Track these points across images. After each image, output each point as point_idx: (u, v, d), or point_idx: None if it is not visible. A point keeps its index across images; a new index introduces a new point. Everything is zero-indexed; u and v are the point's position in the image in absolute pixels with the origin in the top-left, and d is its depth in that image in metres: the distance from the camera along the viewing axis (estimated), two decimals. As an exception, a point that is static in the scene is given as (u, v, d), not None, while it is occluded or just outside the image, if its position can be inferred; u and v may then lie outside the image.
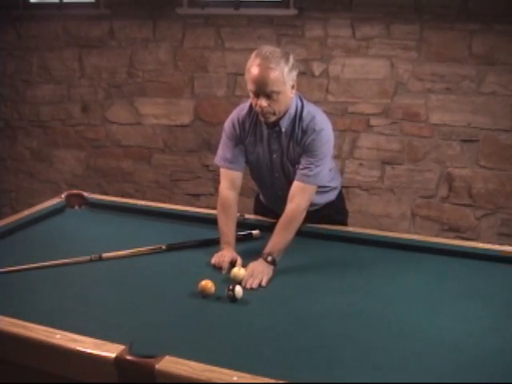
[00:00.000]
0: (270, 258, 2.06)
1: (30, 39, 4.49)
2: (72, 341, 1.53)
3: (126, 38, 4.25)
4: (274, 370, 1.44)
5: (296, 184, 2.23)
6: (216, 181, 4.24)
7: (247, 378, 1.38)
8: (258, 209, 2.68)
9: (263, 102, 2.11)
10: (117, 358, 1.45)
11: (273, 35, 3.89)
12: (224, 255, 2.09)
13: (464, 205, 3.74)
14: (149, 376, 1.41)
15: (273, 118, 2.18)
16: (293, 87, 2.16)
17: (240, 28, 3.96)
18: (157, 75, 4.24)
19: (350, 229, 2.47)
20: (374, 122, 3.80)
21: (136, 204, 2.76)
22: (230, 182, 2.33)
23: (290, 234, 2.16)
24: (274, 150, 2.31)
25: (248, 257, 2.10)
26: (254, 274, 1.99)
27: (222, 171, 2.36)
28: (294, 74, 2.14)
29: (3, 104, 4.70)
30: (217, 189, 4.25)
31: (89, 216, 2.67)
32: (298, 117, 2.23)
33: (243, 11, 3.93)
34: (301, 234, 2.35)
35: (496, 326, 1.73)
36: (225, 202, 2.30)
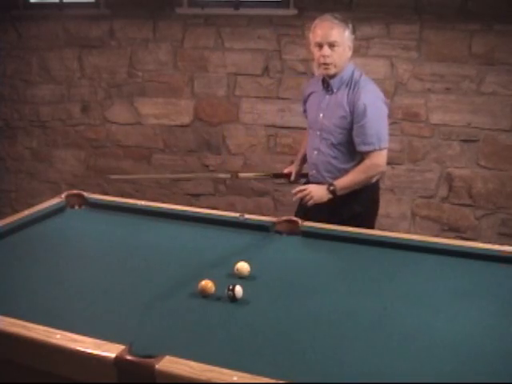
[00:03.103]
0: (331, 188, 2.41)
1: (30, 39, 4.49)
2: (72, 341, 1.53)
3: (126, 38, 4.25)
4: (274, 369, 1.44)
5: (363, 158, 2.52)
6: (215, 181, 4.24)
7: (247, 377, 1.38)
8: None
9: (327, 51, 2.44)
10: (117, 357, 1.45)
11: (273, 35, 3.89)
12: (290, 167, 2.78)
13: (464, 205, 3.74)
14: (149, 376, 1.41)
15: (333, 70, 2.50)
16: (350, 48, 2.50)
17: (240, 28, 3.96)
18: (157, 75, 4.24)
19: (350, 229, 2.47)
20: (374, 122, 3.80)
21: (136, 204, 2.76)
22: None
23: (357, 178, 2.48)
24: (321, 109, 2.61)
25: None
26: (306, 188, 2.40)
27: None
28: (352, 37, 2.52)
29: (3, 104, 4.70)
30: (216, 189, 4.29)
31: (89, 216, 2.66)
32: (354, 82, 2.51)
33: (243, 11, 3.93)
34: (301, 234, 2.36)
35: (496, 326, 1.73)
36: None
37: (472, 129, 3.63)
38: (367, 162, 2.49)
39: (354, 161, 2.57)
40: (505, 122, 3.56)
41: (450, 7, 3.52)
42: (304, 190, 2.39)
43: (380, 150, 2.48)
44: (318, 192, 2.39)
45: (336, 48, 2.44)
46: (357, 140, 2.49)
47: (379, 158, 2.50)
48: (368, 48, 3.72)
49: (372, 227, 2.67)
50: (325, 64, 2.48)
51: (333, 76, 2.53)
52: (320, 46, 2.46)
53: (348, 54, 2.50)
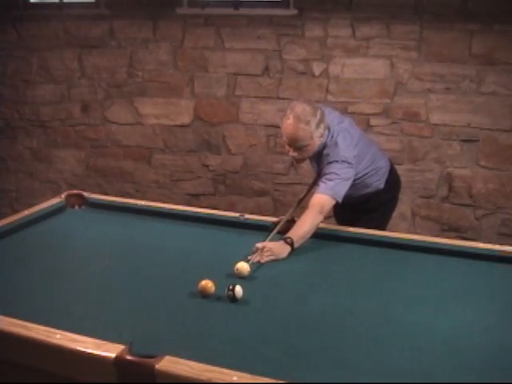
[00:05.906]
0: (288, 240, 2.23)
1: (30, 39, 4.49)
2: (72, 341, 1.53)
3: (126, 38, 4.25)
4: (274, 369, 1.44)
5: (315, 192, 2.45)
6: (215, 181, 4.24)
7: (247, 377, 1.38)
8: None
9: (293, 153, 2.44)
10: (117, 357, 1.45)
11: (273, 35, 3.89)
12: None
13: (464, 205, 3.74)
14: (149, 376, 1.41)
15: (302, 162, 2.59)
16: (321, 135, 2.40)
17: (240, 28, 3.96)
18: (157, 75, 4.24)
19: (350, 229, 2.47)
20: (374, 121, 3.80)
21: (136, 204, 2.76)
22: None
23: (306, 225, 2.30)
24: (314, 166, 2.64)
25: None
26: (263, 250, 2.15)
27: None
28: (322, 126, 2.39)
29: (3, 104, 4.69)
30: (216, 189, 4.29)
31: (89, 216, 2.67)
32: (325, 147, 2.45)
33: (243, 11, 3.93)
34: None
35: (496, 326, 1.73)
36: None
37: (472, 129, 3.63)
38: (313, 202, 2.37)
39: (358, 179, 2.53)
40: (505, 122, 3.56)
41: (449, 7, 3.52)
42: (262, 248, 2.16)
43: (331, 197, 2.37)
44: (276, 249, 2.20)
45: (304, 148, 2.40)
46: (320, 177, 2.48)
47: (326, 203, 2.37)
48: (368, 48, 3.72)
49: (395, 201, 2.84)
50: (293, 159, 2.55)
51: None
52: (288, 145, 2.43)
53: (319, 142, 2.41)
